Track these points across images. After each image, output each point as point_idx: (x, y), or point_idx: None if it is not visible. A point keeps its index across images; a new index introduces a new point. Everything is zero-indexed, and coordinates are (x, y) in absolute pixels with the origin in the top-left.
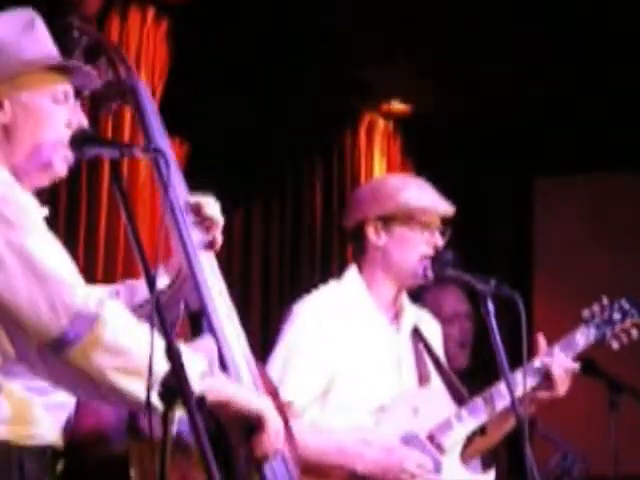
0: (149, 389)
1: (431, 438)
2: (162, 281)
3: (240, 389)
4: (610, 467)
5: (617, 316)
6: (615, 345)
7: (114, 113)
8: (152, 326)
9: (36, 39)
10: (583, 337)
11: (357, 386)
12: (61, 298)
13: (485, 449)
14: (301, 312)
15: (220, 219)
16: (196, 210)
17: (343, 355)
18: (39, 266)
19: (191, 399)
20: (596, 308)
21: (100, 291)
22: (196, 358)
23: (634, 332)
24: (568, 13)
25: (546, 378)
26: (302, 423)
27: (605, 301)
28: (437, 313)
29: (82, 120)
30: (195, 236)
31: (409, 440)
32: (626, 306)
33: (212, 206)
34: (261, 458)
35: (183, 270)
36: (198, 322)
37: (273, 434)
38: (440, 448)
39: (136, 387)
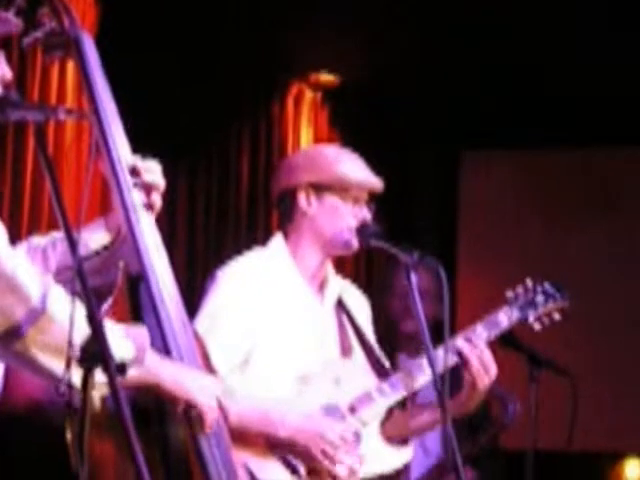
0: (68, 360)
1: (352, 409)
2: (103, 237)
3: (174, 371)
4: (530, 442)
5: (540, 299)
6: (537, 326)
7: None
8: (74, 293)
9: None
10: (506, 317)
11: (278, 355)
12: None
13: (403, 434)
14: (225, 277)
15: (161, 183)
16: (137, 173)
17: (265, 323)
18: None
19: (111, 364)
20: (520, 290)
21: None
22: (124, 342)
23: (556, 315)
24: None
25: (465, 362)
26: (223, 390)
27: (529, 283)
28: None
29: (7, 73)
30: (136, 197)
31: (330, 410)
32: (549, 290)
33: (153, 171)
34: (196, 438)
35: (123, 231)
36: (137, 286)
37: (204, 418)
38: (360, 420)
39: (54, 363)
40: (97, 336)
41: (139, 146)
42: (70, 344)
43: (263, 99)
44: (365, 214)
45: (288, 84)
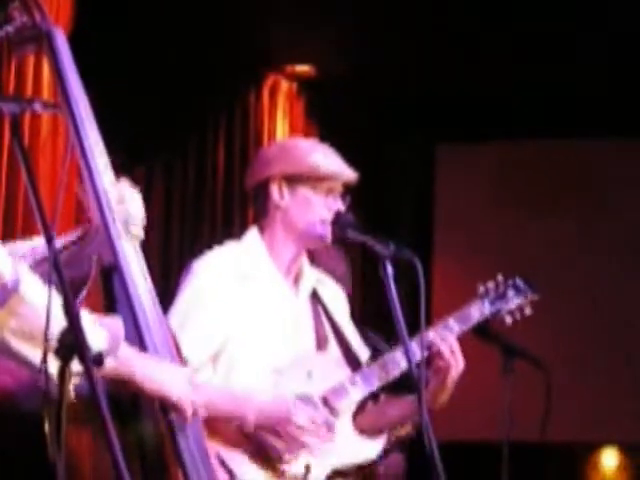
0: (45, 351)
1: (325, 400)
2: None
3: (147, 364)
4: (504, 432)
5: (511, 293)
6: (508, 320)
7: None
8: (50, 285)
9: None
10: (478, 311)
11: (252, 348)
12: None
13: (376, 427)
14: (201, 269)
15: (141, 213)
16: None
17: (239, 314)
18: None
19: (88, 355)
20: (491, 285)
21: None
22: (98, 331)
23: (527, 310)
24: None
25: (433, 364)
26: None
27: (500, 278)
28: None
29: None
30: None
31: (303, 401)
32: (520, 285)
33: (134, 200)
34: (172, 430)
35: (96, 222)
36: (110, 277)
37: (179, 412)
38: (333, 410)
39: (30, 351)
40: (74, 327)
41: (115, 138)
42: (46, 334)
43: (238, 90)
44: (339, 206)
45: (264, 75)
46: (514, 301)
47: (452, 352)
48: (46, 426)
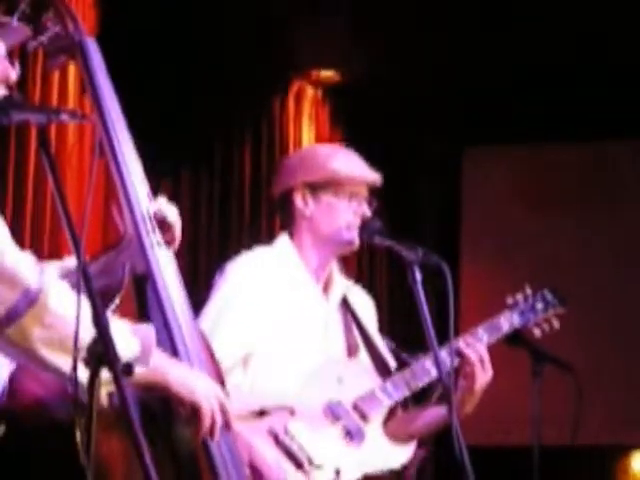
0: (75, 360)
1: (355, 407)
2: None
3: (180, 372)
4: (535, 438)
5: (540, 306)
6: (537, 332)
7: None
8: (79, 293)
9: None
10: (507, 322)
11: (282, 351)
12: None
13: (407, 433)
14: (233, 271)
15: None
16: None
17: (271, 317)
18: None
19: (117, 365)
20: (519, 296)
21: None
22: (130, 339)
23: (555, 322)
24: None
25: (462, 371)
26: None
27: (528, 290)
28: None
29: (11, 75)
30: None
31: (333, 407)
32: (548, 297)
33: (171, 214)
34: (204, 438)
35: (129, 231)
36: (143, 285)
37: (207, 423)
38: (364, 417)
39: (60, 360)
40: (103, 338)
41: (143, 146)
42: (76, 343)
43: (264, 98)
44: (365, 210)
45: (289, 81)
46: (542, 314)
47: (481, 361)
48: (77, 434)
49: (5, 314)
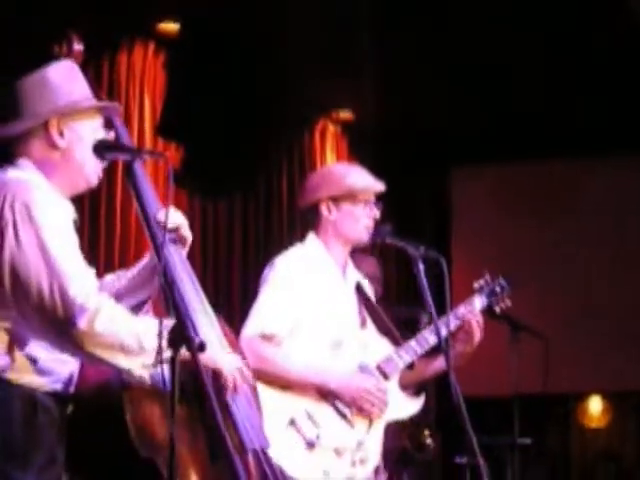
0: (160, 352)
1: (379, 368)
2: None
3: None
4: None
5: (498, 289)
6: (498, 310)
7: None
8: (165, 295)
9: (81, 84)
10: (479, 302)
11: (318, 324)
12: (67, 293)
13: (416, 382)
14: (282, 262)
15: (188, 236)
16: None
17: (310, 298)
18: (55, 263)
19: (194, 343)
20: (482, 282)
21: (98, 288)
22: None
23: (508, 301)
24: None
25: (462, 330)
26: (283, 354)
27: (487, 277)
28: None
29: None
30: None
31: (363, 369)
32: (503, 282)
33: (182, 225)
34: (225, 398)
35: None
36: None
37: (229, 382)
38: (385, 376)
39: (123, 362)
40: (181, 323)
41: (200, 178)
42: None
43: (296, 133)
44: (375, 212)
45: (315, 120)
46: (500, 295)
47: (478, 323)
48: (127, 413)
49: (60, 324)
